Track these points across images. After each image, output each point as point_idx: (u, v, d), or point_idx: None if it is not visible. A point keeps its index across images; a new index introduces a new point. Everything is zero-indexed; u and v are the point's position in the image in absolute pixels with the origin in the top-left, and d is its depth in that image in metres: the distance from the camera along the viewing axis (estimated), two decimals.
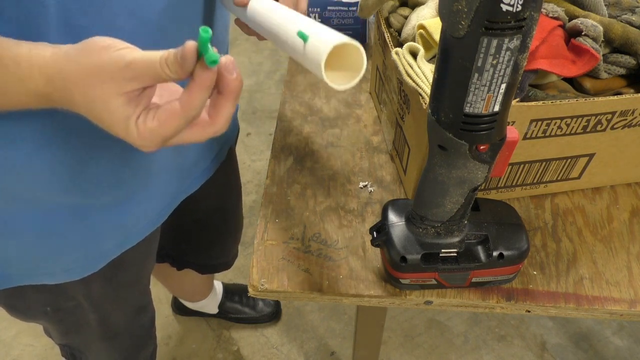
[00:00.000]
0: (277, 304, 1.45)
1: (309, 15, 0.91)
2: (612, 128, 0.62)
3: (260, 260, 0.62)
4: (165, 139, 0.41)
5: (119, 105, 0.39)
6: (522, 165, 0.65)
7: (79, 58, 0.39)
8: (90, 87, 0.39)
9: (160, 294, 1.49)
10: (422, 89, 0.59)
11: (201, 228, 0.93)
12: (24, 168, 0.51)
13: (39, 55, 0.40)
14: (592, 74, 0.61)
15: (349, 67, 0.43)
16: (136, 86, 0.39)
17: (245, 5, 0.54)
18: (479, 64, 0.38)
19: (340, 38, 0.41)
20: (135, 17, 0.47)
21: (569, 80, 0.63)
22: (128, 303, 0.81)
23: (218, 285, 1.42)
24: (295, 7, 0.56)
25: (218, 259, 1.09)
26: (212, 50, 0.37)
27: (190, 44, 0.37)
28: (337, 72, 0.43)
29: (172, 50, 0.38)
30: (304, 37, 0.43)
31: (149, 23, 0.49)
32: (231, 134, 0.83)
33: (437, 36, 0.62)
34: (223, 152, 0.80)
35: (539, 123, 0.59)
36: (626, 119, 0.61)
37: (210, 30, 0.37)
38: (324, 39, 0.41)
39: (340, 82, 0.42)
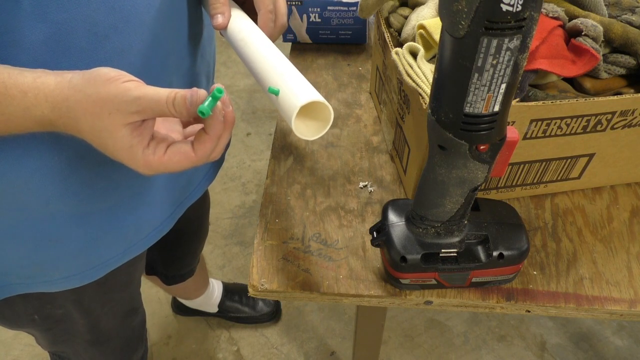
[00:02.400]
0: (277, 303, 1.45)
1: (308, 17, 0.91)
2: (612, 128, 0.62)
3: (260, 260, 0.62)
4: (167, 172, 0.44)
5: (124, 134, 0.41)
6: (522, 165, 0.65)
7: (85, 88, 0.41)
8: (96, 117, 0.41)
9: (160, 294, 1.49)
10: (422, 89, 0.59)
11: (178, 237, 0.92)
12: (13, 174, 0.50)
13: (44, 84, 0.41)
14: (592, 74, 0.61)
15: (318, 117, 0.47)
16: (139, 118, 0.41)
17: (223, 29, 0.56)
18: (479, 64, 0.38)
19: (307, 97, 0.44)
20: (116, 12, 0.47)
21: (569, 80, 0.63)
22: (119, 306, 0.80)
23: (218, 284, 1.42)
24: (275, 10, 0.57)
25: (185, 268, 1.10)
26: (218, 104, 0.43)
27: (202, 94, 0.41)
28: (308, 119, 0.47)
29: (179, 92, 0.41)
30: (275, 92, 0.46)
31: (131, 18, 0.49)
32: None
33: (437, 36, 0.62)
34: (222, 156, 0.80)
35: (539, 123, 0.59)
36: (626, 119, 0.61)
37: (223, 91, 0.42)
38: (293, 99, 0.45)
39: (309, 131, 0.47)
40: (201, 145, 0.44)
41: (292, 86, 0.46)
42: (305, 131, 0.47)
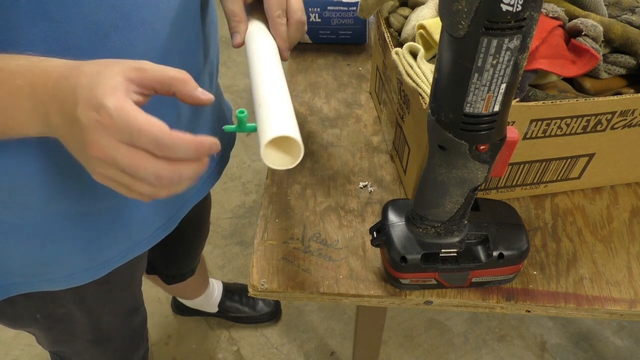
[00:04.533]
0: (276, 303, 1.45)
1: (308, 17, 0.91)
2: (612, 128, 0.62)
3: (260, 260, 0.62)
4: (129, 128, 0.38)
5: (118, 80, 0.39)
6: (522, 165, 0.65)
7: (96, 59, 0.41)
8: (101, 64, 0.40)
9: (160, 294, 1.49)
10: (422, 89, 0.59)
11: (179, 237, 0.91)
12: (14, 173, 0.50)
13: (51, 60, 0.41)
14: (592, 74, 0.61)
15: (289, 151, 0.48)
16: (138, 75, 0.39)
17: (239, 47, 0.58)
18: (479, 64, 0.38)
19: (276, 132, 0.44)
20: (116, 10, 0.47)
21: (569, 80, 0.63)
22: (120, 305, 0.80)
23: (218, 284, 1.42)
24: (287, 9, 0.57)
25: (186, 267, 1.10)
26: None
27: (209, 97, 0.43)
28: (280, 152, 0.48)
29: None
30: (252, 129, 0.48)
31: (132, 17, 0.49)
32: (233, 137, 0.83)
33: (437, 36, 0.62)
34: (226, 156, 0.80)
35: (539, 123, 0.59)
36: (626, 119, 0.61)
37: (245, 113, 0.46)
38: (262, 135, 0.46)
39: (280, 161, 0.47)
40: (179, 135, 0.39)
41: (270, 117, 0.47)
42: (276, 160, 0.47)
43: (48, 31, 0.44)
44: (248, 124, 0.48)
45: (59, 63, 0.41)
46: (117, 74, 0.39)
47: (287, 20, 0.58)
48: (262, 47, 0.55)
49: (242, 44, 0.57)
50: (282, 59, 0.56)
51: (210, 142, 0.41)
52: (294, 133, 0.45)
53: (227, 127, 0.48)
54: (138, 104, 0.40)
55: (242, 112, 0.46)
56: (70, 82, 0.39)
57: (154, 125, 0.38)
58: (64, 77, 0.40)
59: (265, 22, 0.59)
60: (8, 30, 0.42)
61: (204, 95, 0.42)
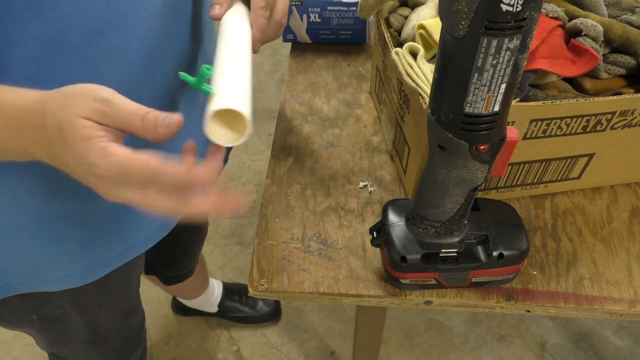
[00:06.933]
0: (276, 303, 1.45)
1: (308, 17, 0.91)
2: (612, 128, 0.62)
3: (260, 260, 0.62)
4: (131, 177, 0.39)
5: (84, 124, 0.39)
6: (522, 165, 0.65)
7: (63, 89, 0.40)
8: (63, 108, 0.39)
9: (160, 294, 1.49)
10: (422, 89, 0.59)
11: (176, 238, 0.91)
12: (8, 172, 0.50)
13: (25, 91, 0.41)
14: (592, 74, 0.61)
15: (236, 127, 0.45)
16: (101, 119, 0.39)
17: (217, 19, 0.56)
18: (479, 64, 0.38)
19: (224, 104, 0.42)
20: (112, 8, 0.47)
21: (569, 80, 0.63)
22: (117, 306, 0.80)
23: (218, 284, 1.42)
24: (272, 6, 0.56)
25: (184, 268, 1.09)
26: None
27: (176, 119, 0.40)
28: (227, 127, 0.45)
29: (152, 110, 0.40)
30: (206, 90, 0.45)
31: (127, 15, 0.48)
32: None
33: (437, 36, 0.62)
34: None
35: (539, 123, 0.59)
36: (626, 119, 0.61)
37: (212, 70, 0.43)
38: (213, 101, 0.44)
39: (225, 138, 0.45)
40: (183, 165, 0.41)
41: (222, 89, 0.45)
42: (221, 135, 0.45)
43: (42, 29, 0.43)
44: (205, 85, 0.44)
45: (29, 108, 0.40)
46: (80, 117, 0.39)
47: (269, 16, 0.56)
48: (237, 28, 0.53)
49: (220, 17, 0.55)
50: (254, 50, 0.54)
51: (206, 173, 0.42)
52: (243, 107, 0.43)
53: (183, 75, 0.44)
54: (117, 138, 0.40)
55: (208, 68, 0.43)
56: (47, 135, 0.40)
57: (141, 161, 0.39)
58: (39, 127, 0.40)
59: (247, 10, 0.57)
60: (2, 29, 0.42)
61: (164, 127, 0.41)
